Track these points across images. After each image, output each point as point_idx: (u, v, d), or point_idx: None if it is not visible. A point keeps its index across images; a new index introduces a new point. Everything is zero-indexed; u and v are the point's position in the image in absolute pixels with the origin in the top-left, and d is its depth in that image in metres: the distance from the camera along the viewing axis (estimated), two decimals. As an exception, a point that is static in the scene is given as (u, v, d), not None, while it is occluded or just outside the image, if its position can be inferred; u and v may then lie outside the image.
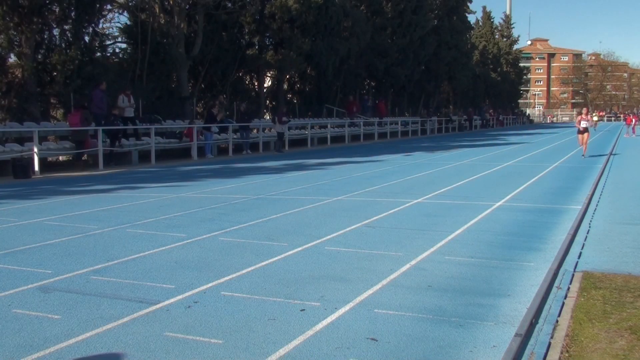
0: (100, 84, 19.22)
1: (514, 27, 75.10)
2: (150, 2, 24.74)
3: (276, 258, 6.29)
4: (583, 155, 19.78)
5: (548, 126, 68.41)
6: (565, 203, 10.01)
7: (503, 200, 10.29)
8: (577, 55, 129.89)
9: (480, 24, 68.08)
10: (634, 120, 40.47)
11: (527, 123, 78.76)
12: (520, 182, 13.02)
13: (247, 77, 32.33)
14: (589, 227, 7.92)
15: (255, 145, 26.07)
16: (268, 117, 31.34)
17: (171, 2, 24.98)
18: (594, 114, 61.98)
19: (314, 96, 34.42)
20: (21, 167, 15.45)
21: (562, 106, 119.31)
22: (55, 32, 20.67)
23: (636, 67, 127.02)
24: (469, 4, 52.39)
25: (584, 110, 21.67)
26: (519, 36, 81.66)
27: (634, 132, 38.61)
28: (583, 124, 19.89)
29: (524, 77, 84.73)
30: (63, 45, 20.41)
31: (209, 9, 26.11)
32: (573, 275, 5.61)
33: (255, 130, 27.27)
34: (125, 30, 25.10)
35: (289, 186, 12.73)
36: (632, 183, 12.94)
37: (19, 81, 19.60)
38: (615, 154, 21.05)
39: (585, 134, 19.82)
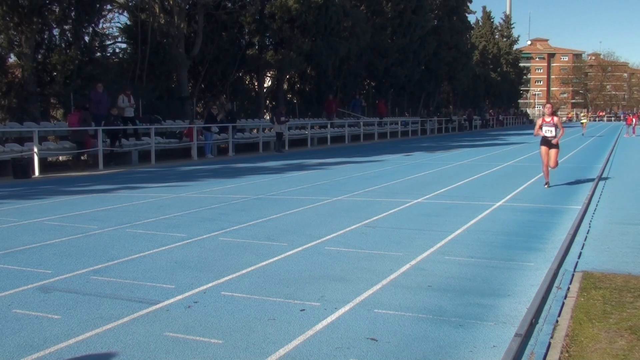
0: (97, 85, 19.24)
1: (514, 27, 75.14)
2: (150, 2, 24.74)
3: (276, 258, 6.29)
4: (546, 183, 12.00)
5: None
6: (565, 203, 10.01)
7: (503, 200, 10.29)
8: (577, 55, 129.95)
9: (480, 24, 68.11)
10: (634, 120, 40.32)
11: (527, 123, 78.76)
12: (520, 182, 13.02)
13: (247, 77, 32.33)
14: (589, 227, 7.91)
15: (255, 145, 26.08)
16: (267, 117, 31.37)
17: (171, 2, 24.98)
18: (582, 115, 48.55)
19: (314, 96, 34.42)
20: (21, 167, 15.45)
21: (562, 106, 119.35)
22: (55, 32, 20.68)
23: (636, 67, 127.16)
24: (469, 4, 52.41)
25: (547, 109, 12.07)
26: (519, 36, 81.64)
27: (634, 132, 38.49)
28: (546, 132, 11.78)
29: (524, 77, 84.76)
30: (63, 45, 20.42)
31: (209, 9, 26.11)
32: (573, 275, 5.61)
33: (255, 130, 27.29)
34: (125, 30, 25.11)
35: (289, 186, 12.73)
36: (632, 183, 12.93)
37: (19, 81, 19.60)
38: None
39: (552, 150, 11.84)
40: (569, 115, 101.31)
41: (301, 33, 29.74)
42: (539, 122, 12.17)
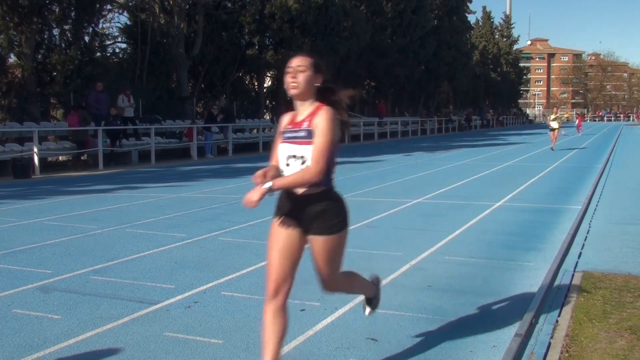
0: (96, 84, 19.25)
1: (514, 27, 75.17)
2: (150, 2, 24.76)
3: (276, 258, 6.27)
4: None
5: (547, 126, 68.28)
6: (565, 203, 10.00)
7: (503, 200, 10.29)
8: (577, 55, 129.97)
9: (480, 24, 68.15)
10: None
11: (527, 123, 78.77)
12: (520, 182, 13.01)
13: (247, 77, 32.34)
14: (589, 227, 7.91)
15: (255, 145, 26.08)
16: (267, 117, 31.36)
17: (171, 2, 24.99)
18: (551, 117, 24.74)
19: (314, 96, 34.42)
20: (21, 167, 15.45)
21: (562, 106, 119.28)
22: (55, 32, 20.71)
23: (636, 67, 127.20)
24: (469, 4, 52.51)
25: (290, 73, 3.13)
26: (519, 36, 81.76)
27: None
28: (287, 161, 3.23)
29: (524, 77, 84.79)
30: (63, 45, 20.44)
31: (209, 9, 26.13)
32: (573, 275, 5.61)
33: (255, 130, 27.30)
34: (125, 30, 25.14)
35: (289, 186, 12.70)
36: (632, 183, 12.92)
37: (19, 81, 19.61)
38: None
39: (318, 241, 3.27)
40: (567, 115, 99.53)
41: (301, 33, 29.75)
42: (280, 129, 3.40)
